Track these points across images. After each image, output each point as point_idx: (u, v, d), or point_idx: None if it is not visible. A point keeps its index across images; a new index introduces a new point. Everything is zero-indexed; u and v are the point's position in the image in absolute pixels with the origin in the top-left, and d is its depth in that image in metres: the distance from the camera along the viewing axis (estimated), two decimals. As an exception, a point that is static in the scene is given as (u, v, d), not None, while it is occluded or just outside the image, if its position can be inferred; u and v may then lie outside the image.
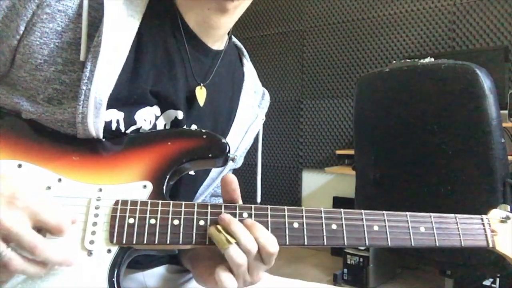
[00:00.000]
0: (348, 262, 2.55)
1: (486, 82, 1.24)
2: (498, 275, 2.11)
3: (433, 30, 2.82)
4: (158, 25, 0.67)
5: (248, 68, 0.85)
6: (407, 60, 1.50)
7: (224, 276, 0.55)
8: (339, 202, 3.02)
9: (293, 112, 3.50)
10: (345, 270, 2.57)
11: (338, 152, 3.01)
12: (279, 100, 3.57)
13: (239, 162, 0.86)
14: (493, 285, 2.13)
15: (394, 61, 2.87)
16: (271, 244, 0.55)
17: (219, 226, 0.55)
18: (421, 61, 1.40)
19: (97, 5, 0.61)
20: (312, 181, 3.44)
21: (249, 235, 0.55)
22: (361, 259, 2.50)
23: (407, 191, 1.52)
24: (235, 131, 0.79)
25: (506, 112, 2.03)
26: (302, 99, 3.44)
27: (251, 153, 0.87)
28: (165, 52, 0.68)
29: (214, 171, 0.77)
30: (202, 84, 0.71)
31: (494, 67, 2.22)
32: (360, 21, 3.13)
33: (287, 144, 3.54)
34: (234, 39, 0.85)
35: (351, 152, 2.53)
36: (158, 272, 0.79)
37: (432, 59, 1.40)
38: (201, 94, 0.71)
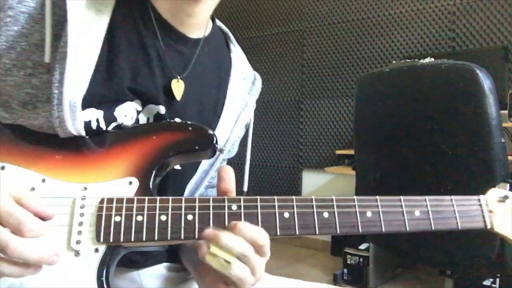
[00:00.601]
0: (348, 262, 2.55)
1: (486, 82, 1.24)
2: (498, 275, 2.11)
3: (433, 30, 2.82)
4: (129, 18, 0.65)
5: (236, 53, 0.82)
6: (407, 60, 1.50)
7: None
8: (339, 202, 3.02)
9: (293, 112, 3.50)
10: (345, 270, 2.57)
11: (338, 152, 3.01)
12: (279, 100, 3.57)
13: (232, 151, 0.84)
14: (493, 285, 2.13)
15: (394, 61, 2.87)
16: (260, 236, 0.54)
17: (212, 249, 0.53)
18: (421, 61, 1.39)
19: (61, 2, 0.58)
20: (312, 181, 3.44)
21: (241, 241, 0.54)
22: (361, 259, 2.50)
23: (407, 191, 1.52)
24: (225, 121, 0.76)
25: (506, 112, 2.03)
26: (302, 99, 3.44)
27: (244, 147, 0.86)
28: (140, 45, 0.66)
29: (205, 163, 0.76)
30: (179, 77, 0.69)
31: (494, 67, 2.22)
32: (360, 21, 3.13)
33: (287, 144, 3.54)
34: (219, 23, 0.82)
35: (351, 152, 2.53)
36: (155, 271, 0.77)
37: (432, 59, 1.40)
38: (177, 87, 0.69)
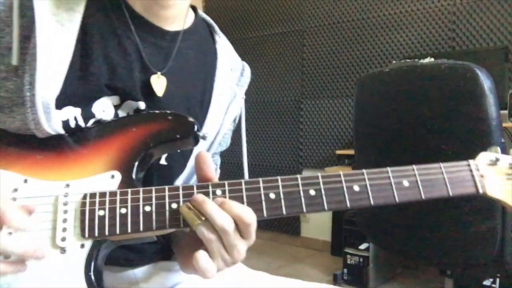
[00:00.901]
0: (348, 262, 2.55)
1: (486, 82, 1.24)
2: (498, 275, 2.11)
3: (433, 30, 2.82)
4: (102, 15, 0.65)
5: (222, 44, 0.81)
6: (407, 60, 1.50)
7: (200, 255, 0.53)
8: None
9: (293, 112, 3.50)
10: (345, 270, 2.57)
11: (338, 152, 3.01)
12: (279, 100, 3.57)
13: (224, 144, 0.83)
14: (493, 285, 2.13)
15: (394, 61, 2.87)
16: (246, 214, 0.53)
17: (190, 204, 0.54)
18: (421, 61, 1.39)
19: (30, 4, 0.58)
20: (312, 181, 3.44)
21: (223, 213, 0.53)
22: (361, 259, 2.50)
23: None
24: (214, 114, 0.75)
25: (506, 112, 2.03)
26: (302, 99, 3.44)
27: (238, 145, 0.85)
28: (116, 41, 0.65)
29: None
30: (159, 72, 0.68)
31: (494, 67, 2.22)
32: (360, 21, 3.12)
33: (287, 144, 3.54)
34: (202, 14, 0.80)
35: (351, 152, 2.53)
36: (150, 270, 0.77)
37: (432, 59, 1.40)
38: (158, 83, 0.68)
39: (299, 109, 3.46)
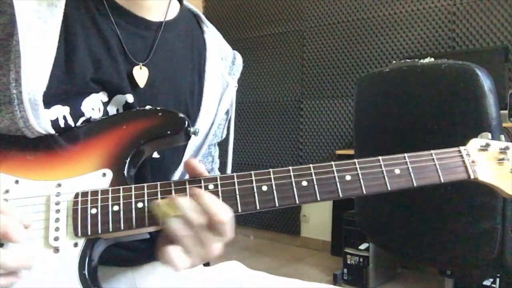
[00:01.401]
0: (348, 262, 2.55)
1: (486, 82, 1.24)
2: (498, 275, 2.11)
3: (433, 30, 2.82)
4: (83, 8, 0.65)
5: (210, 34, 0.80)
6: (407, 60, 1.50)
7: (171, 251, 0.52)
8: (339, 202, 3.01)
9: (293, 112, 3.50)
10: (345, 270, 2.57)
11: (338, 152, 3.01)
12: (279, 100, 3.57)
13: (219, 135, 0.83)
14: (493, 285, 2.13)
15: (394, 61, 2.87)
16: (222, 212, 0.52)
17: (160, 201, 0.53)
18: (421, 61, 1.39)
19: (10, 1, 0.58)
20: (312, 181, 3.44)
21: (194, 206, 0.52)
22: (361, 259, 2.50)
23: (408, 190, 1.51)
24: (207, 105, 0.75)
25: (506, 112, 2.03)
26: (302, 99, 3.44)
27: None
28: (99, 34, 0.65)
29: (190, 151, 0.74)
30: (141, 64, 0.68)
31: (494, 67, 2.22)
32: (360, 21, 3.12)
33: (287, 144, 3.54)
34: (187, 4, 0.80)
35: (351, 152, 2.53)
36: (148, 269, 0.76)
37: (432, 59, 1.39)
38: (140, 74, 0.68)
39: (299, 109, 3.46)
